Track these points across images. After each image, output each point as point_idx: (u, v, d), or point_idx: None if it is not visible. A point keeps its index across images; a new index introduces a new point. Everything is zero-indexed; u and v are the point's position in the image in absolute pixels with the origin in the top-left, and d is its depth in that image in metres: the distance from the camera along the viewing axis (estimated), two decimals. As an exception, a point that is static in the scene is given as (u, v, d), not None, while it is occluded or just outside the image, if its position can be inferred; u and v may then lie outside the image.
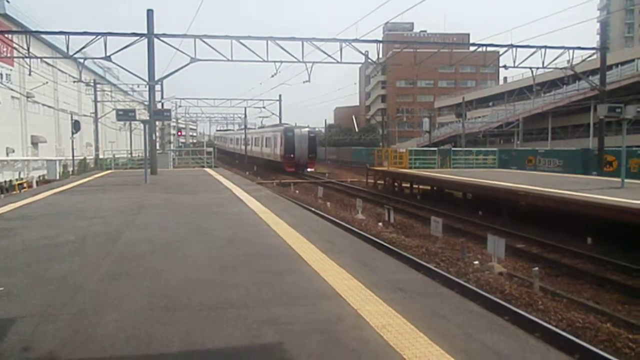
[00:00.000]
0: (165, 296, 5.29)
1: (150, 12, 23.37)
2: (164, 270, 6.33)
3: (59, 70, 45.28)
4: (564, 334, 7.21)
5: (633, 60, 47.52)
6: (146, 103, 34.93)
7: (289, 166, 42.16)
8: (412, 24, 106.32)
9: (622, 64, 48.06)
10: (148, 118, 23.81)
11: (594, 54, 29.40)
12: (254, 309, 4.91)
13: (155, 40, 23.40)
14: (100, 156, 41.80)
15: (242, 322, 4.55)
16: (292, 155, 42.47)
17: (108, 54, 22.80)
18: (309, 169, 42.80)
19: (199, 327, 4.44)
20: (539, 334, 6.83)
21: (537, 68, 26.72)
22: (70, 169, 38.64)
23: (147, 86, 24.95)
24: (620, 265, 11.57)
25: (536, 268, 9.99)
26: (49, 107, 44.95)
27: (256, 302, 5.11)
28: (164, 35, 23.44)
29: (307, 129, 44.53)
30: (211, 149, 41.10)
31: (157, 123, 33.71)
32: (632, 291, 10.05)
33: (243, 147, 60.40)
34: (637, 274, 11.02)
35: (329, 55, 25.03)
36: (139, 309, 4.91)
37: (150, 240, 8.21)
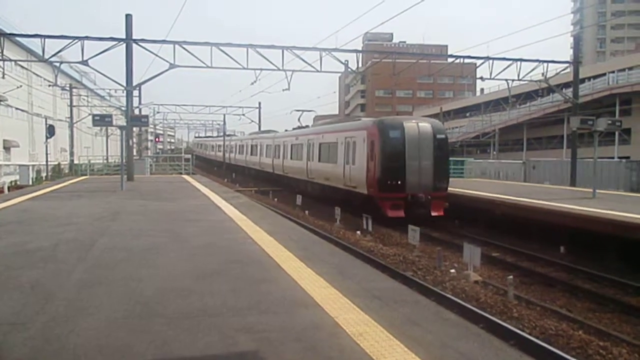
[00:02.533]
0: (140, 304, 5.21)
1: (129, 17, 23.15)
2: (139, 278, 6.24)
3: (34, 73, 44.49)
4: (537, 341, 7.33)
5: (604, 74, 48.88)
6: (123, 108, 34.55)
7: (393, 206, 18.66)
8: (392, 34, 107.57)
9: (595, 77, 49.40)
10: (125, 124, 23.51)
11: (567, 67, 30.13)
12: (230, 317, 4.88)
13: (134, 45, 23.18)
14: (75, 162, 41.08)
15: (218, 330, 4.51)
16: (397, 183, 18.76)
17: (85, 58, 22.48)
18: (433, 213, 18.84)
19: (174, 335, 4.39)
20: (514, 342, 6.93)
21: (513, 80, 27.26)
22: (44, 175, 37.85)
23: (125, 91, 24.67)
24: (591, 274, 11.83)
25: (511, 276, 10.14)
26: (23, 111, 44.08)
27: (233, 310, 5.08)
28: (143, 40, 23.21)
29: (427, 124, 19.75)
30: (189, 156, 40.72)
31: (134, 129, 33.30)
32: (603, 299, 10.27)
33: (243, 156, 47.55)
34: (607, 282, 11.28)
35: (309, 64, 25.14)
36: (113, 317, 4.83)
37: (126, 247, 8.09)
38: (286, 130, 38.58)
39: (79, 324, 4.61)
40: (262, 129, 55.26)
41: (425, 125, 19.23)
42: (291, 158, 30.91)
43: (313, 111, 64.09)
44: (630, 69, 47.20)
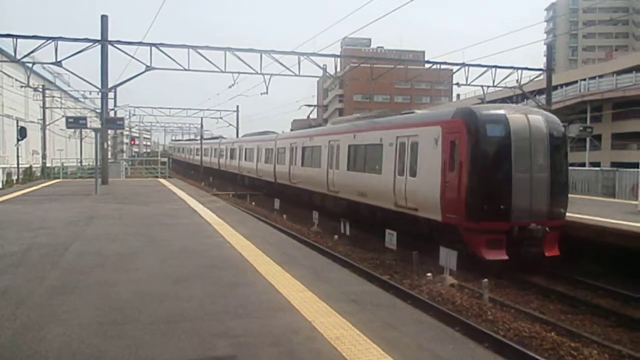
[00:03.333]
0: (115, 310, 5.14)
1: (104, 18, 22.82)
2: (114, 283, 6.15)
3: (5, 74, 43.41)
4: (511, 343, 7.45)
5: (576, 81, 50.07)
6: (98, 111, 34.04)
7: (490, 243, 12.03)
8: (370, 39, 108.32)
9: (567, 84, 50.55)
10: (100, 126, 23.12)
11: (540, 74, 30.78)
12: (207, 321, 4.85)
13: (110, 47, 22.85)
14: (48, 164, 40.18)
15: (195, 335, 4.48)
16: (499, 208, 12.10)
17: (59, 59, 22.06)
18: (548, 253, 12.30)
19: (150, 341, 4.34)
20: (488, 344, 7.03)
21: (488, 86, 27.74)
22: (15, 178, 36.93)
23: (100, 93, 24.27)
24: (564, 277, 12.06)
25: (485, 280, 10.28)
26: (-7, 112, 42.93)
27: (210, 314, 5.05)
28: (119, 42, 22.90)
29: (539, 117, 13.01)
30: (166, 159, 40.25)
31: (109, 131, 32.80)
32: (575, 301, 10.49)
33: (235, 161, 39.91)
34: (580, 285, 11.51)
35: (287, 68, 25.18)
36: (86, 323, 4.75)
37: (100, 252, 7.96)
38: (292, 131, 33.88)
39: (52, 331, 4.52)
40: (239, 133, 54.86)
41: (537, 119, 12.68)
42: (303, 164, 24.16)
43: (324, 106, 62.45)
44: (600, 76, 48.44)
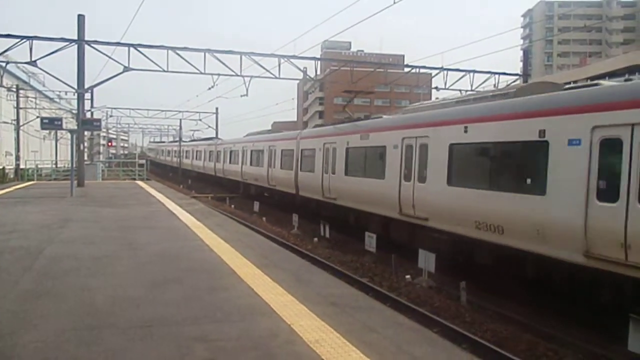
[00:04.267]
0: (90, 315, 5.05)
1: (81, 17, 22.43)
2: (89, 287, 6.05)
3: (-23, 73, 42.37)
4: (488, 344, 7.55)
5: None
6: (74, 111, 33.33)
7: None
8: (350, 43, 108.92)
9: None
10: (76, 127, 22.71)
11: (517, 79, 31.34)
12: (185, 326, 4.79)
13: (87, 47, 22.48)
14: (22, 166, 39.32)
15: (173, 340, 4.43)
16: None
17: (33, 59, 21.62)
18: None
19: (126, 346, 4.27)
20: (466, 345, 7.12)
21: (467, 90, 28.12)
22: (-13, 180, 36.03)
23: (76, 94, 23.86)
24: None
25: (463, 282, 10.40)
26: (-36, 112, 41.87)
27: (188, 319, 5.00)
28: (96, 42, 22.54)
29: None
30: (143, 161, 39.77)
31: (85, 133, 32.25)
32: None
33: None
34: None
35: (268, 70, 25.11)
36: (61, 328, 4.65)
37: (75, 256, 7.81)
38: (321, 126, 25.74)
39: (24, 337, 4.42)
40: (219, 134, 54.38)
41: None
42: (348, 173, 17.05)
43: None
44: (575, 82, 49.50)
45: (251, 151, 29.51)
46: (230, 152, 34.30)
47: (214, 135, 51.16)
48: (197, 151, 46.75)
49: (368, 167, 15.79)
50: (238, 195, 31.33)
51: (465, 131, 11.38)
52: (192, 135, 67.01)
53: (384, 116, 17.94)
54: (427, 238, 12.36)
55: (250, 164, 29.45)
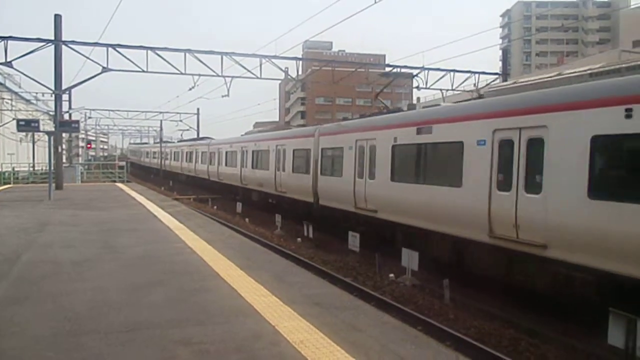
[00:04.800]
0: (70, 320, 4.95)
1: (58, 17, 22.07)
2: (69, 292, 5.93)
3: (-50, 75, 41.37)
4: (471, 341, 7.62)
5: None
6: (52, 113, 32.74)
7: None
8: (331, 43, 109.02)
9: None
10: (53, 129, 22.32)
11: (496, 78, 31.73)
12: (168, 329, 4.73)
13: (64, 47, 22.11)
14: (-2, 169, 38.49)
15: (156, 343, 4.37)
16: None
17: (9, 60, 21.18)
18: None
19: (108, 351, 4.20)
20: (450, 342, 7.17)
21: (447, 90, 28.41)
22: (-38, 184, 35.20)
23: (54, 95, 23.45)
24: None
25: (446, 280, 10.48)
26: (-63, 115, 40.83)
27: (171, 322, 4.93)
28: (73, 42, 22.18)
29: None
30: (124, 163, 39.26)
31: (64, 135, 31.71)
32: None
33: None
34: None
35: (249, 70, 24.98)
36: (40, 335, 4.56)
37: (54, 260, 7.67)
38: (352, 118, 19.82)
39: (3, 344, 4.32)
40: (200, 135, 53.85)
41: None
42: (395, 177, 13.34)
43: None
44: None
45: (253, 152, 25.72)
46: (227, 153, 30.59)
47: (201, 136, 47.32)
48: (187, 152, 42.36)
49: (431, 171, 12.24)
50: (220, 196, 31.00)
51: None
52: (181, 135, 62.12)
53: (444, 103, 14.60)
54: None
55: (253, 167, 25.61)
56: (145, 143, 78.57)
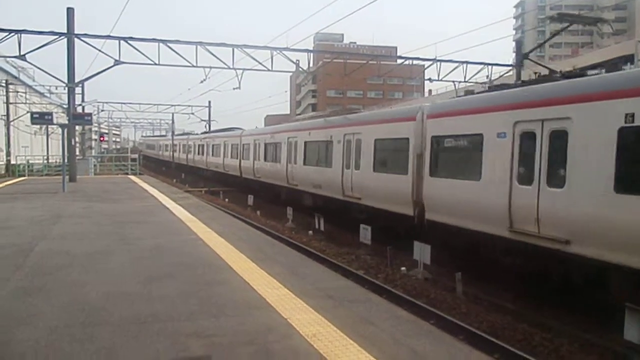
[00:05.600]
0: (84, 311, 4.98)
1: (70, 10, 22.17)
2: (82, 283, 5.97)
3: (-35, 68, 41.85)
4: (485, 335, 7.55)
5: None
6: (65, 106, 32.95)
7: None
8: (342, 35, 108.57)
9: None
10: (67, 122, 22.49)
11: (510, 70, 31.36)
12: (180, 321, 4.73)
13: (77, 40, 22.22)
14: (13, 162, 38.95)
15: (168, 336, 4.37)
16: None
17: (22, 53, 21.35)
18: None
19: (121, 343, 4.21)
20: (463, 336, 7.11)
21: (460, 82, 28.13)
22: (-22, 176, 35.69)
23: (67, 88, 23.61)
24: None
25: (459, 273, 10.40)
26: (-47, 108, 41.37)
27: (183, 314, 4.94)
28: (86, 35, 22.29)
29: None
30: (136, 155, 39.50)
31: (77, 127, 31.94)
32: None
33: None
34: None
35: (260, 63, 24.95)
36: (54, 326, 4.58)
37: (68, 252, 7.72)
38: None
39: (17, 335, 4.35)
40: (211, 128, 53.87)
41: None
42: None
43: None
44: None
45: (306, 143, 19.93)
46: (266, 145, 25.09)
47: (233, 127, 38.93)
48: (214, 145, 36.91)
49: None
50: (232, 189, 31.02)
51: None
52: (206, 127, 57.52)
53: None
54: None
55: (305, 163, 19.88)
56: (164, 135, 71.86)
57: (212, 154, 36.93)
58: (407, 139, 13.36)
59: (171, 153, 53.60)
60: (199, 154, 41.74)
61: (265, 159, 25.11)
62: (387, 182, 14.09)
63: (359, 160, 15.61)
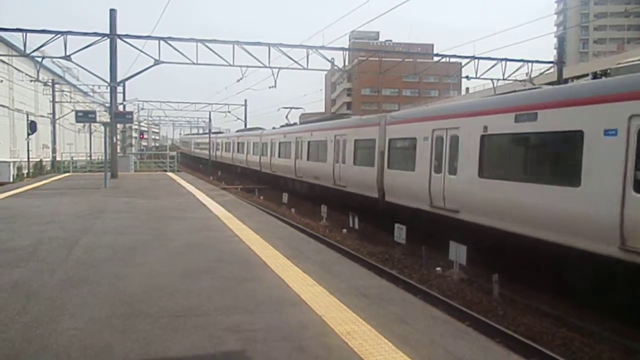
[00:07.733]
0: (124, 303, 5.13)
1: (113, 12, 22.84)
2: (123, 276, 6.15)
3: (15, 68, 43.65)
4: (522, 339, 7.38)
5: (587, 74, 49.43)
6: (107, 105, 33.98)
7: None
8: (378, 33, 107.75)
9: (578, 77, 49.95)
10: (109, 120, 23.19)
11: (551, 67, 30.48)
12: (216, 316, 4.82)
13: (119, 41, 22.87)
14: (58, 158, 40.46)
15: (204, 329, 4.45)
16: None
17: (68, 54, 22.12)
18: None
19: (159, 335, 4.32)
20: (499, 339, 6.97)
21: (498, 79, 27.49)
22: (25, 172, 37.23)
23: (109, 88, 24.33)
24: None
25: (496, 275, 10.20)
26: (4, 106, 43.23)
27: (219, 309, 5.02)
28: (127, 36, 22.92)
29: None
30: (174, 153, 40.33)
31: (118, 125, 32.91)
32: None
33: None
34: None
35: (295, 62, 25.06)
36: (96, 317, 4.74)
37: (110, 245, 7.97)
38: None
39: (61, 324, 4.52)
40: (248, 126, 54.36)
41: None
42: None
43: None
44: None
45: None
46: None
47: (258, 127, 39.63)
48: (239, 143, 36.98)
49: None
50: (266, 187, 31.29)
51: None
52: (240, 126, 55.25)
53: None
54: None
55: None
56: (218, 132, 65.50)
57: (238, 151, 40.15)
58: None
59: (211, 151, 53.72)
60: (226, 151, 44.79)
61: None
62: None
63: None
